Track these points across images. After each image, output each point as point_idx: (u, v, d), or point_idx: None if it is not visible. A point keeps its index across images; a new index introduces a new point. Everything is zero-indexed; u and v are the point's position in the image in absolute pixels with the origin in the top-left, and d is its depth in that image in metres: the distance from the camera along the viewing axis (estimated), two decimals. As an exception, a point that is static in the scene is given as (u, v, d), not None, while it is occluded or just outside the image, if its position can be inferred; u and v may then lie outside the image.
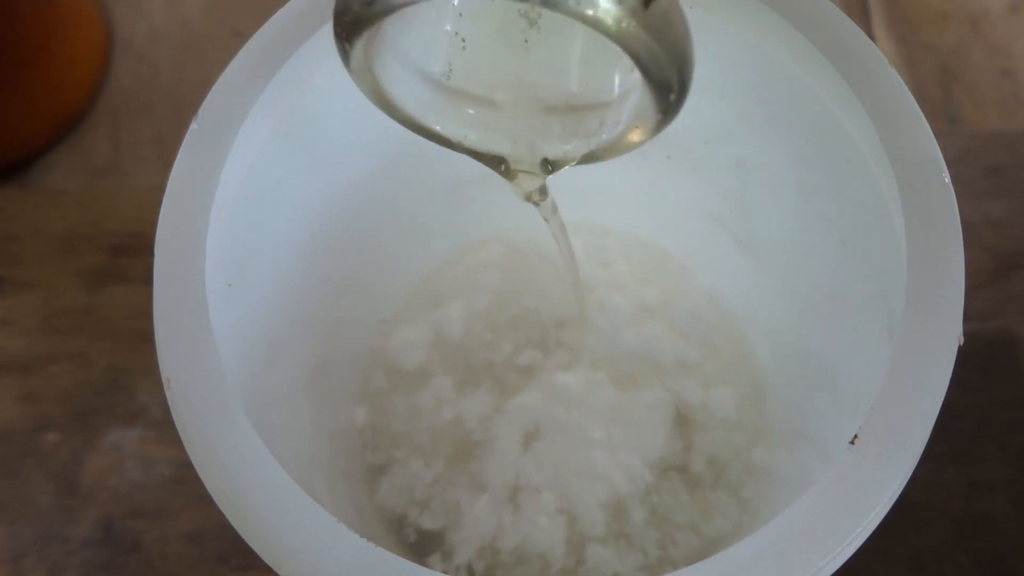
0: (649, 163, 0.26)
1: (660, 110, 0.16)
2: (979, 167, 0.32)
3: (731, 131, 0.23)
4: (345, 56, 0.16)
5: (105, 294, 0.31)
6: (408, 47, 0.18)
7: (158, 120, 0.34)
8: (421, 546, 0.26)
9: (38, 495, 0.28)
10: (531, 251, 0.29)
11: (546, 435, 0.26)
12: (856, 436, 0.16)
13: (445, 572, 0.25)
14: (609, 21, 0.14)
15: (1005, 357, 0.29)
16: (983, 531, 0.27)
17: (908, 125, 0.18)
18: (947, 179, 0.18)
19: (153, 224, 0.18)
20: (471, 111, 0.19)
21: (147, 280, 0.17)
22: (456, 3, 0.17)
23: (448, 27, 0.17)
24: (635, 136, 0.18)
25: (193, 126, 0.19)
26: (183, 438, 0.17)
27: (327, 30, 0.18)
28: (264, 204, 0.21)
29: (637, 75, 0.15)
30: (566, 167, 0.19)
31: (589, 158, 0.19)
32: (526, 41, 0.17)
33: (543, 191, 0.20)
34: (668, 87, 0.15)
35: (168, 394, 0.17)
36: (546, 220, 0.22)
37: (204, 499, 0.16)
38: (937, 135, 0.18)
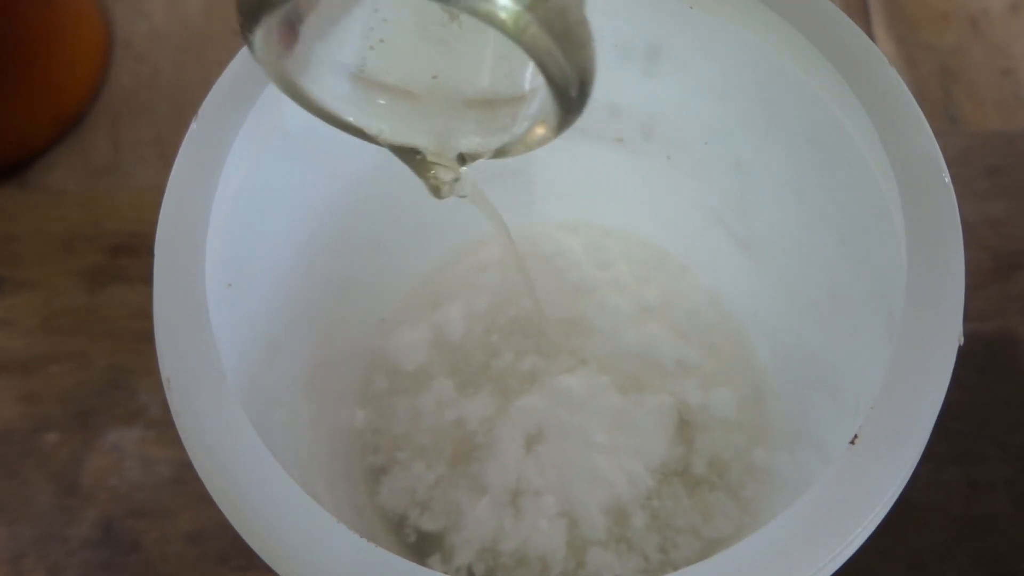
0: (649, 163, 0.26)
1: (561, 107, 0.16)
2: (979, 167, 0.32)
3: (731, 131, 0.23)
4: (248, 43, 0.16)
5: (105, 294, 0.31)
6: (323, 38, 0.18)
7: (158, 120, 0.34)
8: (421, 547, 0.26)
9: (38, 495, 0.28)
10: (531, 251, 0.29)
11: (548, 438, 0.26)
12: (856, 436, 0.16)
13: (445, 573, 0.25)
14: (503, 16, 0.14)
15: (1005, 357, 0.29)
16: (983, 531, 0.27)
17: (908, 125, 0.18)
18: (947, 179, 0.18)
19: (153, 224, 0.18)
20: (383, 102, 0.18)
21: (147, 280, 0.17)
22: None
23: (364, 18, 0.17)
24: (540, 132, 0.18)
25: (193, 126, 0.19)
26: (183, 438, 0.17)
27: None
28: (264, 204, 0.21)
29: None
30: (479, 160, 0.19)
31: (500, 153, 0.19)
32: (445, 35, 0.17)
33: (455, 185, 0.20)
34: (566, 83, 0.15)
35: (168, 394, 0.17)
36: (479, 209, 0.22)
37: (204, 499, 0.16)
38: (937, 135, 0.18)
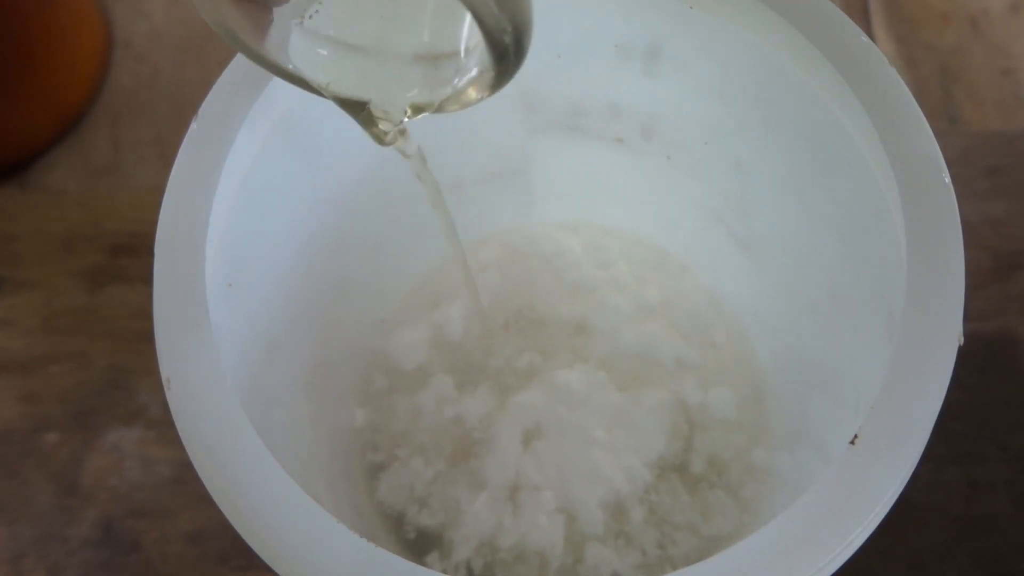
0: (649, 163, 0.26)
1: (496, 59, 0.16)
2: (979, 167, 0.32)
3: (731, 131, 0.23)
4: None
5: (105, 294, 0.31)
6: None
7: (158, 120, 0.34)
8: (420, 544, 0.26)
9: (38, 495, 0.28)
10: (531, 251, 0.29)
11: (547, 434, 0.26)
12: (856, 436, 0.16)
13: (444, 569, 0.25)
14: None
15: (1005, 357, 0.29)
16: (983, 531, 0.27)
17: (908, 125, 0.18)
18: (947, 179, 0.18)
19: (153, 224, 0.18)
20: (324, 52, 0.18)
21: (147, 280, 0.17)
22: None
23: None
24: (475, 89, 0.18)
25: (193, 126, 0.19)
26: (183, 438, 0.17)
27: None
28: (264, 204, 0.21)
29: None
30: (424, 114, 0.19)
31: (440, 107, 0.19)
32: None
33: (400, 135, 0.20)
34: (501, 33, 0.15)
35: (168, 394, 0.17)
36: (417, 175, 0.22)
37: (204, 499, 0.16)
38: (937, 135, 0.18)
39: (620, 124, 0.25)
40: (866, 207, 0.20)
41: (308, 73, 0.19)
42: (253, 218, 0.20)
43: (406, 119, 0.19)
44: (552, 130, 0.26)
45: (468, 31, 0.18)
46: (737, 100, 0.23)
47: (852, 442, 0.16)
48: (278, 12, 0.18)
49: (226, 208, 0.19)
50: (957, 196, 0.18)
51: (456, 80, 0.19)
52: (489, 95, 0.18)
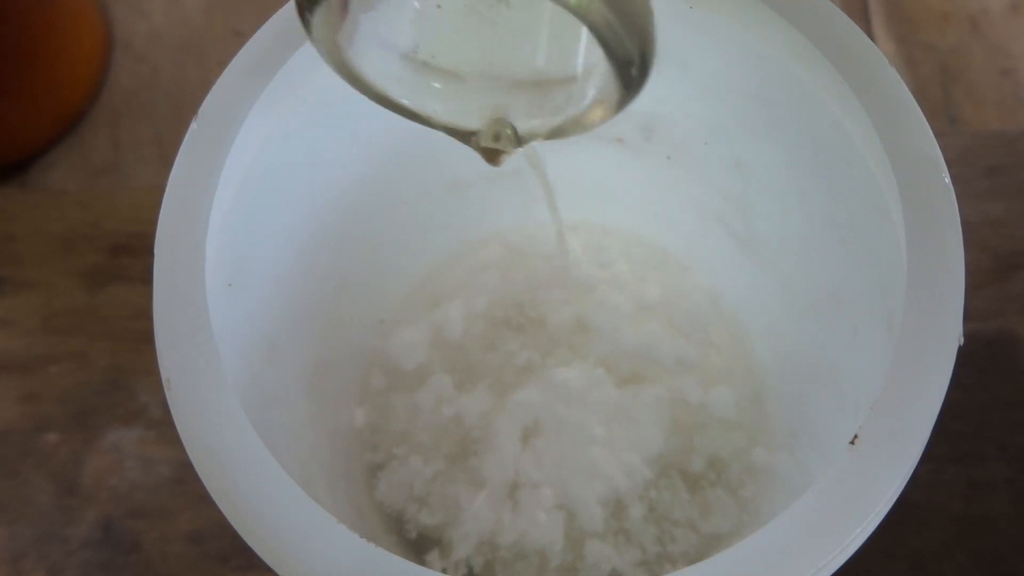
0: (649, 163, 0.26)
1: (622, 85, 0.16)
2: (979, 167, 0.32)
3: (731, 131, 0.23)
4: (306, 25, 0.16)
5: (105, 294, 0.31)
6: (376, 20, 0.18)
7: (158, 120, 0.34)
8: (420, 542, 0.26)
9: (38, 495, 0.28)
10: (531, 251, 0.29)
11: (546, 431, 0.26)
12: (856, 436, 0.16)
13: (444, 568, 0.25)
14: None
15: (1005, 357, 0.29)
16: (983, 531, 0.27)
17: (908, 125, 0.18)
18: (947, 179, 0.18)
19: (153, 224, 0.18)
20: (437, 84, 0.18)
21: (147, 280, 0.17)
22: None
23: (416, 1, 0.17)
24: (599, 112, 0.18)
25: (193, 126, 0.19)
26: (183, 438, 0.17)
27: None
28: (264, 204, 0.21)
29: (601, 50, 0.15)
30: (534, 141, 0.19)
31: (556, 133, 0.19)
32: (495, 16, 0.17)
33: (506, 151, 0.20)
34: (628, 61, 0.15)
35: (168, 394, 0.17)
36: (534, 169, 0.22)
37: (204, 499, 0.16)
38: (937, 135, 0.18)
39: (620, 124, 0.25)
40: (866, 207, 0.20)
41: (416, 104, 0.19)
42: (253, 218, 0.20)
43: (520, 149, 0.19)
44: (552, 130, 0.26)
45: (584, 56, 0.18)
46: (737, 100, 0.23)
47: (852, 442, 0.16)
48: (385, 44, 0.18)
49: (226, 208, 0.19)
50: (957, 196, 0.18)
51: (568, 106, 0.19)
52: (612, 117, 0.18)
